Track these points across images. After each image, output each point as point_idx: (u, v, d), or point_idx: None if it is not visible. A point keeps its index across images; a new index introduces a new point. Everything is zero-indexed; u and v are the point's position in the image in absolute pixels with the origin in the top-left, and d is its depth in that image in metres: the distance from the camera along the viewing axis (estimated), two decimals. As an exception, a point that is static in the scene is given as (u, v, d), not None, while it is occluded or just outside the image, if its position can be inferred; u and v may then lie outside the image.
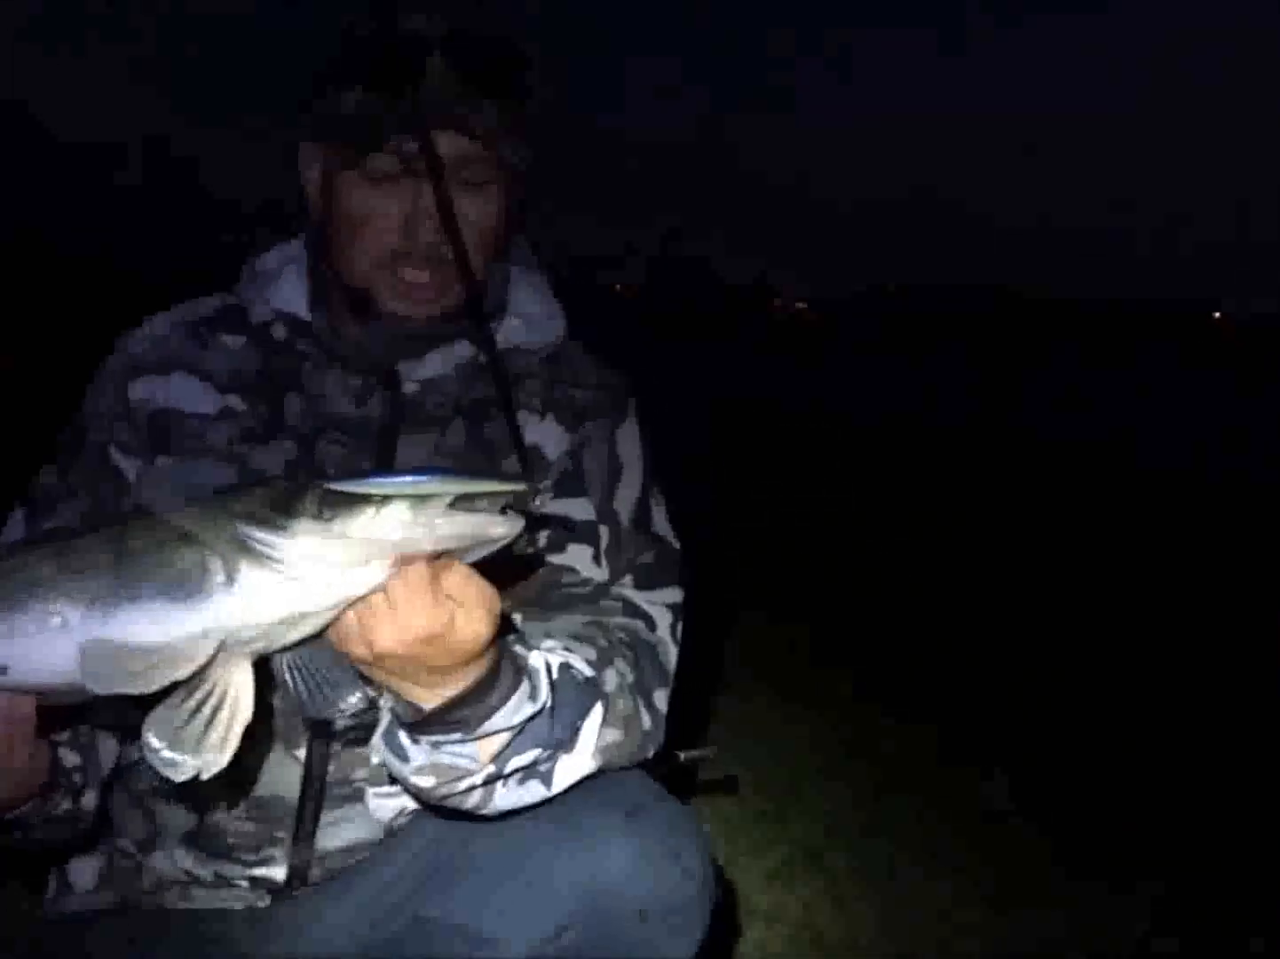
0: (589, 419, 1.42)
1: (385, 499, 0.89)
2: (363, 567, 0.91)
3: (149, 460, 1.34)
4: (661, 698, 1.33)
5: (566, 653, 1.22)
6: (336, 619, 0.96)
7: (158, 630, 0.89)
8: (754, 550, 5.29)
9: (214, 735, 0.90)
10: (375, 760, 1.14)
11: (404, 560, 0.93)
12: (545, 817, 1.23)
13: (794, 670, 3.81)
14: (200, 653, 0.89)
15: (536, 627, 1.28)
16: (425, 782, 1.12)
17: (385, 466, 1.35)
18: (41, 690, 0.95)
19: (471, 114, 1.29)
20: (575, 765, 1.21)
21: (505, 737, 1.11)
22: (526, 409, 1.40)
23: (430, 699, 1.05)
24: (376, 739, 1.13)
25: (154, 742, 0.89)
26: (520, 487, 0.93)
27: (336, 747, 1.32)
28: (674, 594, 1.40)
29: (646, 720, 1.29)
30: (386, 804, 1.35)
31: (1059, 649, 4.27)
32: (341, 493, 0.90)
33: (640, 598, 1.37)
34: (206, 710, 0.91)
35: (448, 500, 0.90)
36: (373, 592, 0.94)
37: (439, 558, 0.95)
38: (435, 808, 1.32)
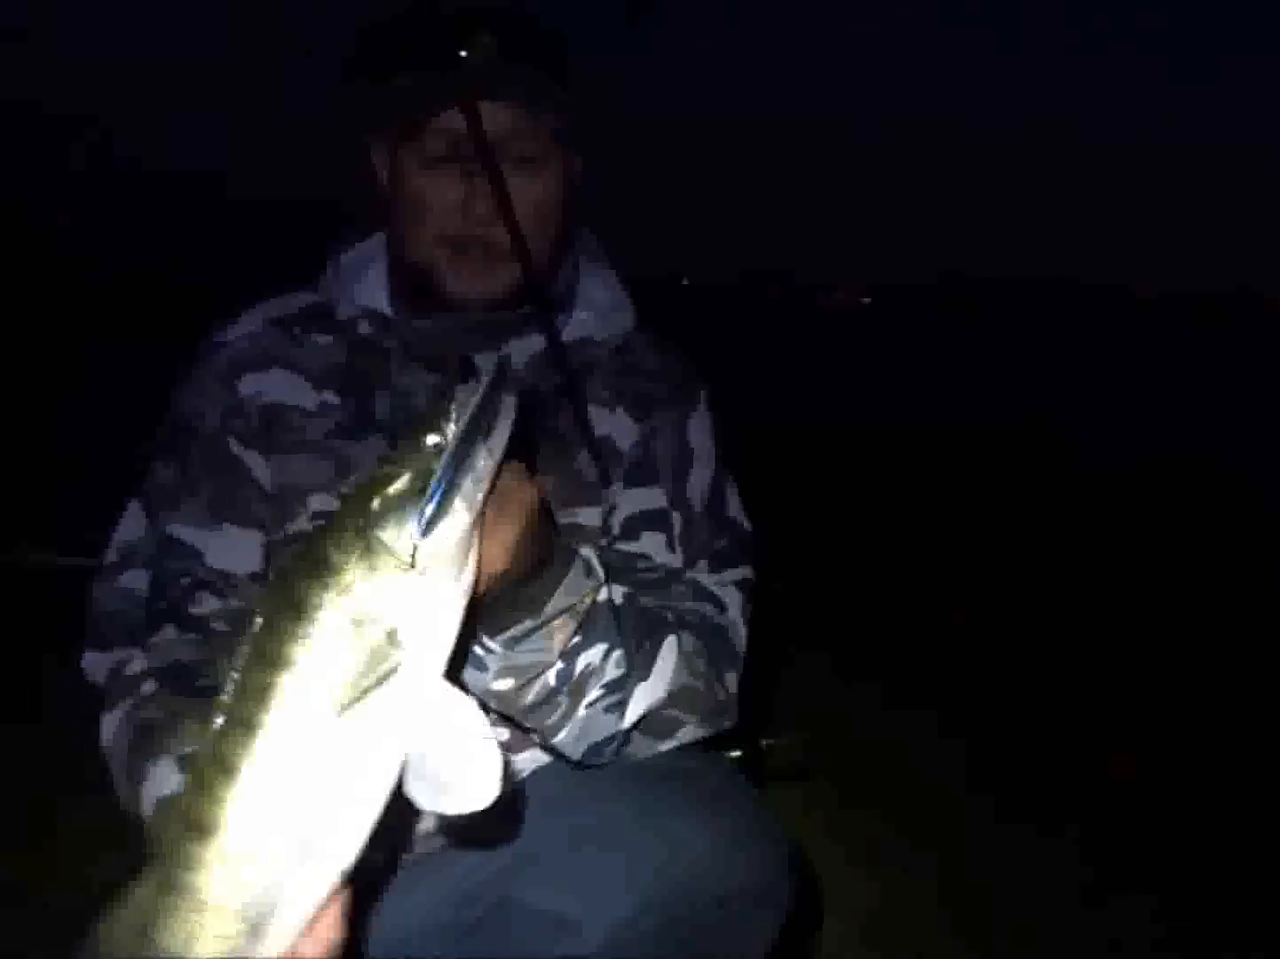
0: (658, 409, 1.43)
1: (452, 489, 0.88)
2: (471, 545, 0.92)
3: (263, 454, 1.36)
4: (732, 679, 1.34)
5: (638, 595, 1.25)
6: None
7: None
8: (826, 543, 5.27)
9: (475, 758, 0.88)
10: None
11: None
12: (627, 803, 1.24)
13: (868, 664, 3.79)
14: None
15: None
16: (505, 684, 1.14)
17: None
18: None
19: (516, 85, 1.31)
20: (650, 694, 1.23)
21: (571, 624, 1.13)
22: (596, 401, 1.41)
23: (494, 582, 1.03)
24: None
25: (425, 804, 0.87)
26: (495, 378, 0.94)
27: None
28: (745, 573, 1.41)
29: (720, 692, 1.31)
30: None
31: (1141, 648, 4.20)
32: (422, 523, 0.87)
33: (711, 580, 1.38)
34: (450, 750, 0.88)
35: (481, 441, 0.90)
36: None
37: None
38: (520, 792, 1.34)
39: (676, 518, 1.39)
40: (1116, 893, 2.54)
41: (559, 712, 1.19)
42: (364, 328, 1.42)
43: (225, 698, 0.84)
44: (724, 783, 1.28)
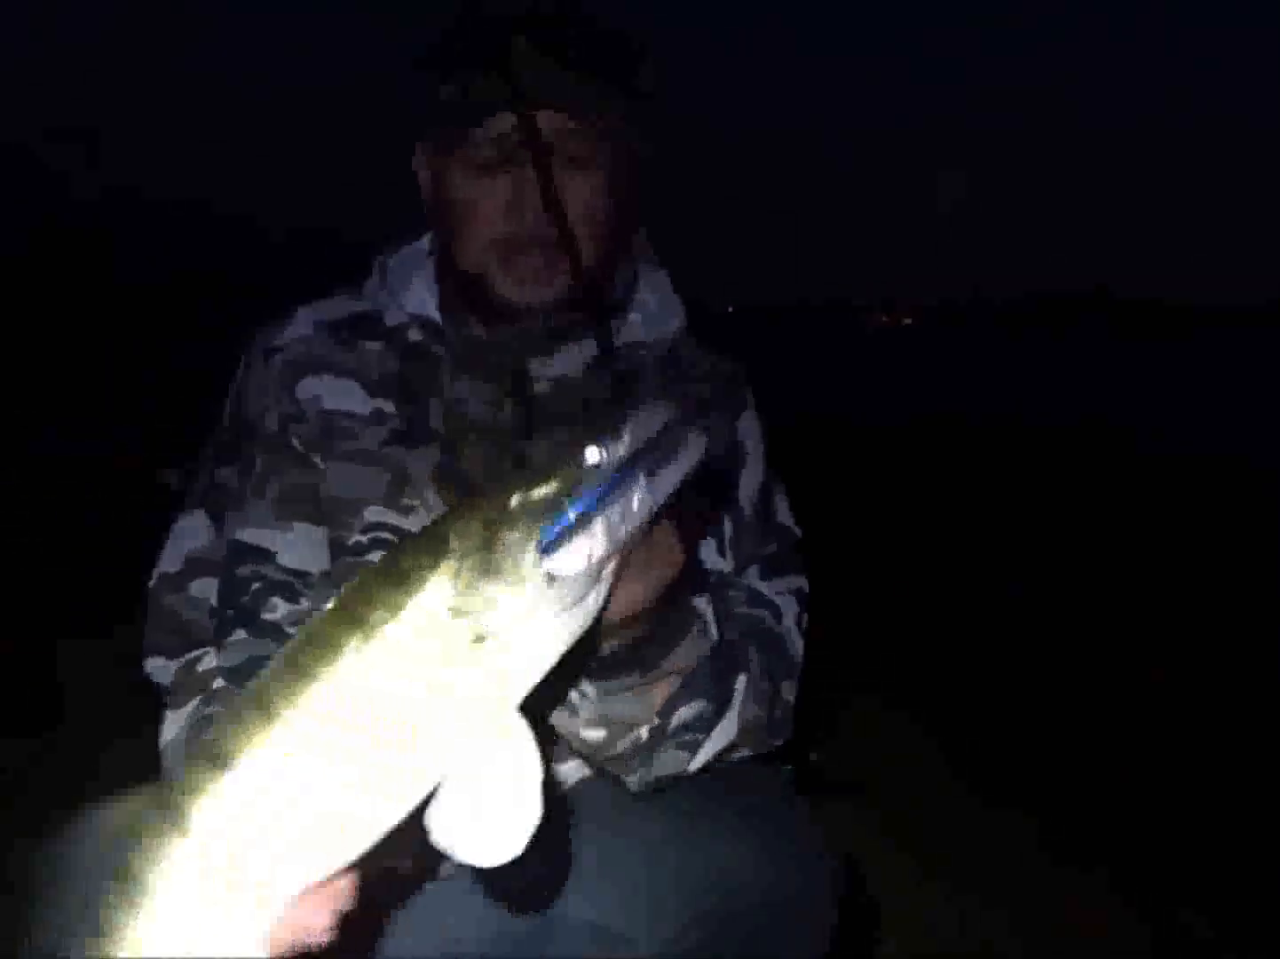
0: (707, 413, 1.41)
1: (592, 517, 0.81)
2: (603, 581, 0.85)
3: (324, 458, 1.34)
4: (789, 688, 1.32)
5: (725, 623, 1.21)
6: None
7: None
8: (868, 556, 5.23)
9: (521, 799, 0.81)
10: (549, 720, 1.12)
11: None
12: (672, 815, 1.23)
13: (916, 679, 3.76)
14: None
15: None
16: (596, 734, 1.11)
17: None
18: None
19: (561, 87, 1.29)
20: (721, 736, 1.20)
21: (676, 683, 1.09)
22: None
23: (618, 637, 1.03)
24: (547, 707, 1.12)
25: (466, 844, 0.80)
26: (675, 404, 0.86)
27: None
28: (798, 582, 1.39)
29: (777, 710, 1.29)
30: None
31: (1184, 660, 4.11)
32: (550, 536, 0.81)
33: (766, 587, 1.36)
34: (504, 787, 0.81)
35: (643, 476, 0.82)
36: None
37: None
38: (565, 803, 1.33)
39: (728, 523, 1.37)
40: (1174, 906, 2.49)
41: (634, 765, 1.17)
42: (414, 334, 1.41)
43: (292, 644, 0.79)
44: (770, 796, 1.27)
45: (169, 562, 1.38)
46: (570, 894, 1.28)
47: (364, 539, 1.31)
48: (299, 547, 1.30)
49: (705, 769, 1.24)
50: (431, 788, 0.79)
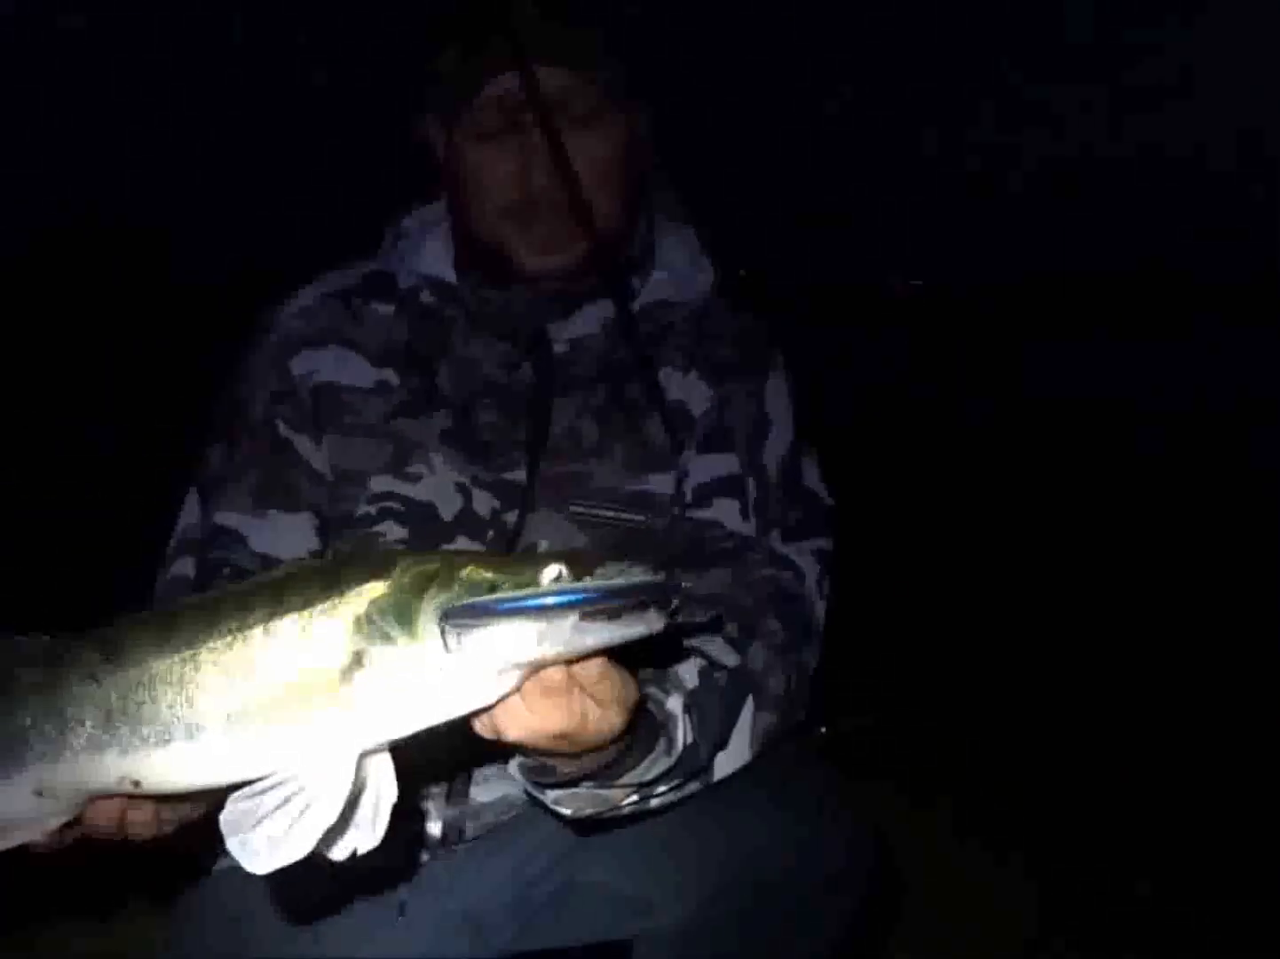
0: (735, 374, 1.39)
1: (513, 616, 0.83)
2: (493, 682, 0.86)
3: (315, 436, 1.35)
4: (810, 655, 1.31)
5: (707, 648, 1.19)
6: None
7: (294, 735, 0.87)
8: (900, 526, 5.23)
9: (367, 821, 0.88)
10: (518, 784, 1.13)
11: (538, 669, 0.88)
12: None
13: (947, 648, 3.77)
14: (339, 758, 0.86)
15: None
16: (565, 810, 1.10)
17: (540, 433, 1.33)
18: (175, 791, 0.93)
19: (562, 43, 1.28)
20: (733, 760, 1.19)
21: (636, 787, 1.09)
22: (671, 365, 1.38)
23: (565, 770, 1.03)
24: (512, 767, 1.11)
25: (320, 847, 0.86)
26: (656, 579, 0.86)
27: None
28: (821, 544, 1.37)
29: (794, 683, 1.27)
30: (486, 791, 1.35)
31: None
32: (467, 608, 0.84)
33: (788, 549, 1.34)
34: (366, 802, 0.88)
35: (578, 615, 0.83)
36: (510, 698, 0.89)
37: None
38: None
39: (751, 485, 1.35)
40: (1203, 873, 2.50)
41: (627, 813, 1.15)
42: (426, 296, 1.40)
43: (222, 590, 0.89)
44: (797, 765, 1.26)
45: (171, 542, 1.39)
46: (594, 862, 1.28)
47: (372, 510, 1.31)
48: (271, 534, 1.31)
49: None
50: (248, 776, 0.85)
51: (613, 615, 0.84)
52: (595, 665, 0.90)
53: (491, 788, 1.34)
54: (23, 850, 0.97)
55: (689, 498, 1.34)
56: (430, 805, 1.34)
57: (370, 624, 0.84)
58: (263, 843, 0.83)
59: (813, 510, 1.38)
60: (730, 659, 1.21)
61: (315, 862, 0.85)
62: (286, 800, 0.84)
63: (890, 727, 2.93)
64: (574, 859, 1.30)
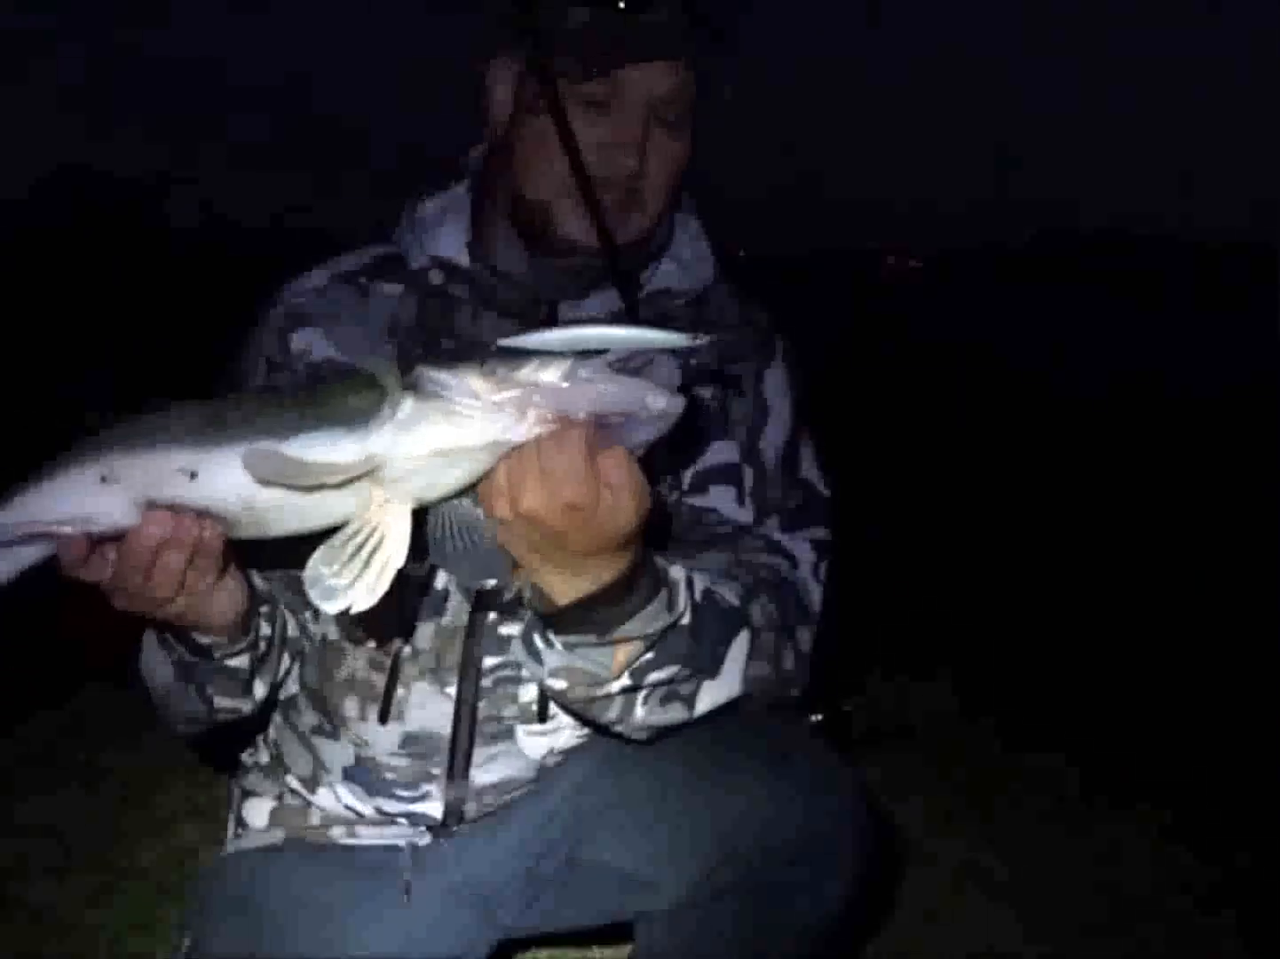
0: (734, 362, 1.40)
1: (547, 353, 0.93)
2: (521, 415, 0.93)
3: None
4: (805, 638, 1.32)
5: (711, 583, 1.21)
6: (489, 475, 0.97)
7: (324, 451, 0.94)
8: (901, 496, 5.24)
9: (368, 573, 0.94)
10: (515, 656, 1.16)
11: (564, 422, 0.93)
12: (694, 760, 1.24)
13: (950, 629, 3.74)
14: (354, 470, 0.94)
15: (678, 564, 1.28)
16: (559, 684, 1.12)
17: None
18: (224, 511, 1.01)
19: (693, 53, 1.28)
20: (719, 690, 1.19)
21: (639, 645, 1.09)
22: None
23: (566, 591, 1.04)
24: (515, 641, 1.14)
25: (316, 571, 0.94)
26: (683, 338, 0.96)
27: (487, 683, 1.34)
28: (819, 533, 1.38)
29: (789, 659, 1.28)
30: (537, 742, 1.37)
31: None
32: (508, 349, 0.95)
33: (784, 537, 1.35)
34: (365, 549, 0.95)
35: (609, 360, 0.93)
36: (527, 447, 0.94)
37: (599, 433, 0.94)
38: (587, 748, 1.35)
39: (748, 473, 1.36)
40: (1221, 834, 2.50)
41: (615, 711, 1.16)
42: (434, 276, 1.40)
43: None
44: (791, 735, 1.27)
45: None
46: (596, 840, 1.30)
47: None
48: None
49: (726, 715, 1.24)
50: (302, 529, 0.98)
51: (634, 374, 0.93)
52: (618, 451, 0.95)
53: (492, 770, 1.37)
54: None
55: (686, 484, 1.35)
56: (431, 787, 1.37)
57: (419, 365, 0.95)
58: (337, 585, 0.94)
59: (810, 500, 1.39)
60: (732, 600, 1.22)
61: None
62: (358, 547, 0.94)
63: (894, 706, 2.96)
64: (576, 836, 1.32)
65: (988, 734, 3.00)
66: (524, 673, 1.32)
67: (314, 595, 0.94)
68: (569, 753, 1.38)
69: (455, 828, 1.39)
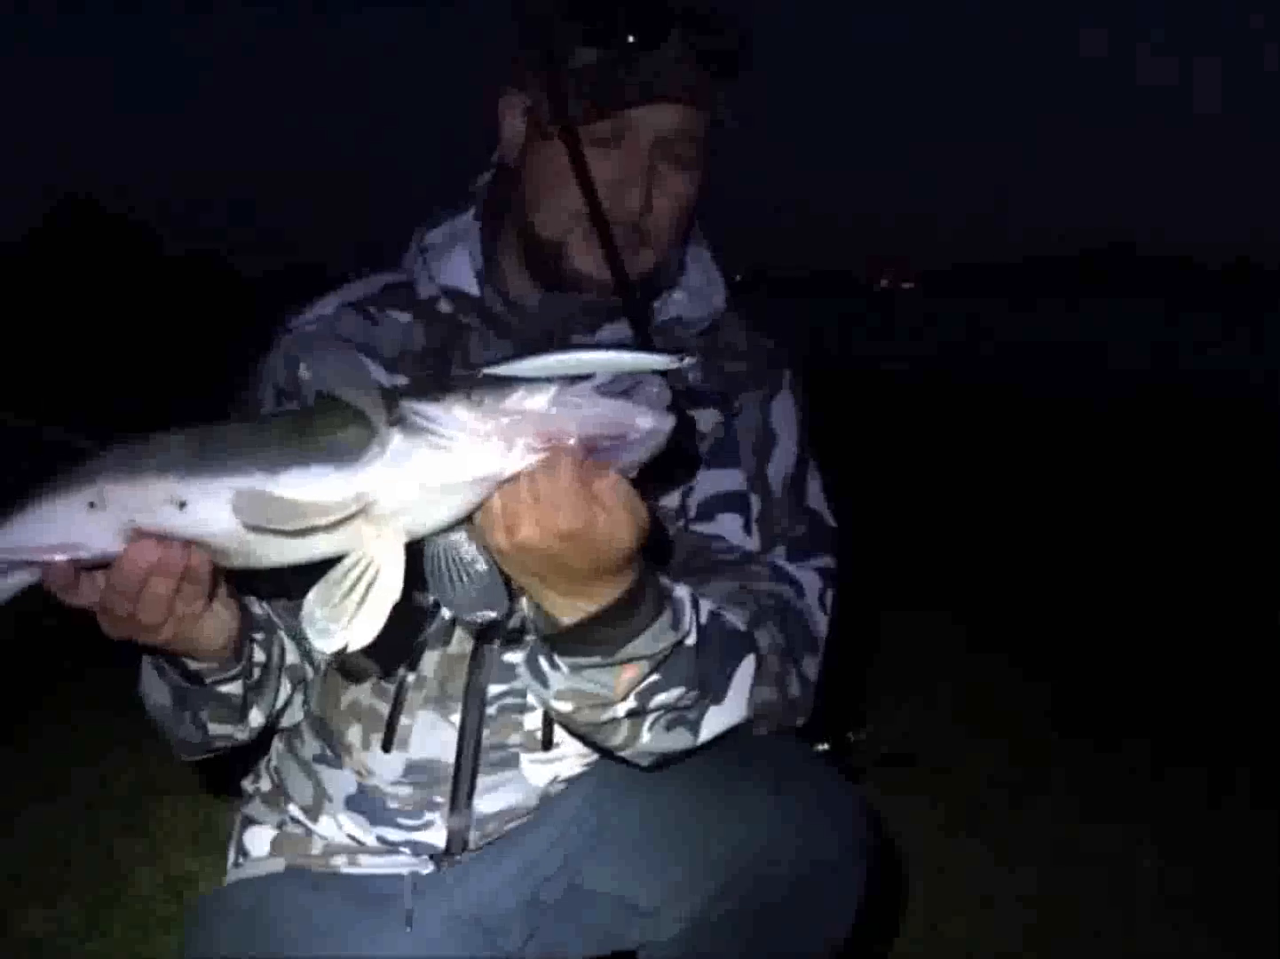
0: (742, 390, 1.40)
1: (533, 379, 0.93)
2: (510, 445, 0.92)
3: None
4: (810, 666, 1.31)
5: (718, 606, 1.21)
6: (484, 507, 0.96)
7: (313, 490, 0.93)
8: (895, 522, 5.20)
9: (363, 612, 0.94)
10: (520, 683, 1.16)
11: (554, 449, 0.92)
12: (697, 786, 1.23)
13: (955, 654, 3.75)
14: (343, 510, 0.92)
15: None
16: (564, 706, 1.11)
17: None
18: (212, 542, 1.00)
19: (704, 93, 1.29)
20: (724, 716, 1.19)
21: (645, 666, 1.08)
22: (680, 383, 1.37)
23: (569, 613, 1.04)
24: (520, 662, 1.14)
25: (311, 610, 0.93)
26: (668, 360, 0.95)
27: (492, 710, 1.34)
28: (825, 561, 1.37)
29: (795, 686, 1.28)
30: (541, 770, 1.37)
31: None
32: (494, 377, 0.94)
33: (790, 566, 1.35)
34: (360, 587, 0.94)
35: (595, 384, 0.92)
36: (519, 477, 0.93)
37: (590, 457, 0.94)
38: (590, 775, 1.35)
39: (755, 500, 1.36)
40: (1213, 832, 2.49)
41: (621, 736, 1.15)
42: (444, 306, 1.40)
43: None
44: (794, 758, 1.26)
45: None
46: (598, 868, 1.29)
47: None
48: None
49: (728, 740, 1.23)
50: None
51: (622, 395, 0.93)
52: (611, 474, 0.94)
53: (495, 798, 1.36)
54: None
55: (693, 512, 1.35)
56: (433, 815, 1.36)
57: (405, 399, 0.94)
58: (333, 624, 0.93)
59: (816, 529, 1.39)
60: (739, 624, 1.22)
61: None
62: (353, 583, 0.94)
63: (900, 734, 2.92)
64: (579, 864, 1.31)
65: (991, 759, 2.99)
66: (529, 700, 1.31)
67: (311, 635, 0.93)
68: (573, 780, 1.37)
69: (458, 856, 1.38)
